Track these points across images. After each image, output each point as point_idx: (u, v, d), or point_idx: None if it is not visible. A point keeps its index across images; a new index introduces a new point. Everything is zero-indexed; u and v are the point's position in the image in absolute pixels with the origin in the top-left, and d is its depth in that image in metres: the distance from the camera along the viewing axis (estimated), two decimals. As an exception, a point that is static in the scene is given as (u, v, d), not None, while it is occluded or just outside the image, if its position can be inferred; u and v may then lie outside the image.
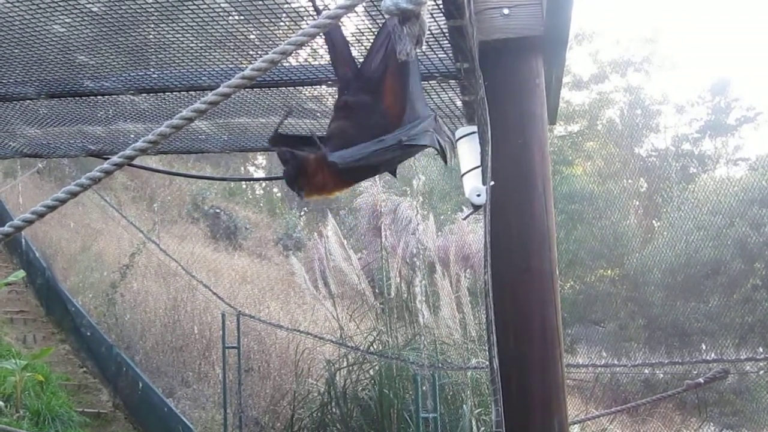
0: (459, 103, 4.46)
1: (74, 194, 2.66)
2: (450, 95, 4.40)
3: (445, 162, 3.49)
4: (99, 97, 4.81)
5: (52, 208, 2.64)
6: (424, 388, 11.19)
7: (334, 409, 12.60)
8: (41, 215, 2.66)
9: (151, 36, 3.95)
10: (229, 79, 2.50)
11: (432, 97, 4.40)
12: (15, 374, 13.42)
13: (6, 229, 2.67)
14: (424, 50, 3.65)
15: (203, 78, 4.42)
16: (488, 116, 3.55)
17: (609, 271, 24.29)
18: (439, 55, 3.83)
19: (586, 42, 32.98)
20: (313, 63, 4.40)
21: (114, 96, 4.72)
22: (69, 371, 16.00)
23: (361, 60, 3.41)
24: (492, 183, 3.51)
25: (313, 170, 3.20)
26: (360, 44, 3.99)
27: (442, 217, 18.53)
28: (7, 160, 20.66)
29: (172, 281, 18.18)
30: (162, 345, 16.23)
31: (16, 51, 4.23)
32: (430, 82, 4.18)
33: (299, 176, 3.24)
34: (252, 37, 4.04)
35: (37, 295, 18.86)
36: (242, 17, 3.80)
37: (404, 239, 12.99)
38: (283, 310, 17.67)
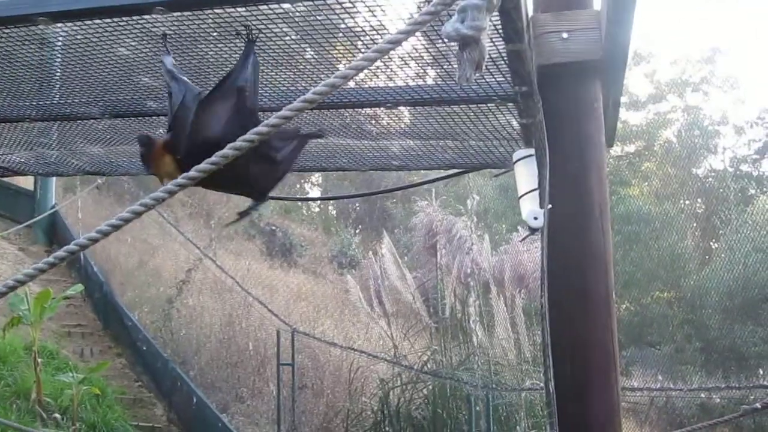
0: (516, 126, 4.47)
1: (138, 214, 2.72)
2: (508, 118, 4.41)
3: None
4: (161, 117, 4.89)
5: (116, 228, 2.70)
6: (477, 408, 11.17)
7: (387, 428, 12.60)
8: (106, 234, 2.72)
9: (209, 56, 4.01)
10: (288, 101, 2.54)
11: (489, 119, 4.42)
12: (72, 387, 13.57)
13: (71, 247, 2.74)
14: (482, 74, 3.68)
15: (263, 99, 4.47)
16: (546, 140, 3.57)
17: (665, 293, 24.04)
18: (498, 79, 3.84)
19: (643, 63, 32.72)
20: (371, 85, 4.44)
21: (173, 116, 4.80)
22: (125, 385, 16.14)
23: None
24: (549, 206, 3.53)
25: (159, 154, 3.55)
26: (416, 63, 4.03)
27: (497, 236, 18.47)
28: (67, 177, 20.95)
29: (228, 297, 18.29)
30: (217, 361, 16.33)
31: (82, 72, 4.32)
32: (488, 104, 4.20)
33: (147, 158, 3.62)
34: (308, 56, 4.09)
35: (95, 309, 19.07)
36: (298, 36, 3.85)
37: (459, 258, 12.98)
38: (338, 327, 17.72)
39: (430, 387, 12.55)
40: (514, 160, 4.17)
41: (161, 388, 15.78)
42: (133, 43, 3.83)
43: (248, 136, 2.62)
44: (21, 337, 15.19)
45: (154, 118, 4.94)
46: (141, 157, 3.67)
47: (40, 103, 4.96)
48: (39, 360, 13.58)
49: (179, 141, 3.53)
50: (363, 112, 4.85)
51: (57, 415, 13.39)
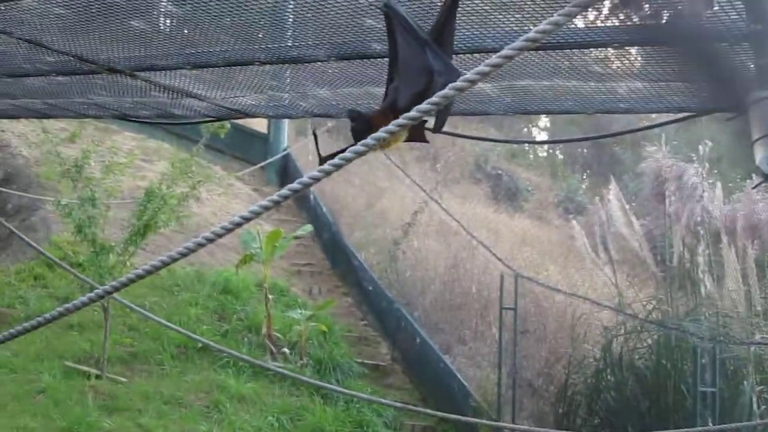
0: (752, 67, 4.26)
1: (360, 154, 2.76)
2: (742, 58, 4.20)
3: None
4: (386, 59, 4.91)
5: (338, 167, 2.74)
6: (703, 360, 10.88)
7: (609, 377, 12.46)
8: (328, 173, 2.77)
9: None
10: (514, 41, 2.50)
11: (723, 60, 4.23)
12: (300, 323, 14.07)
13: (295, 185, 2.80)
14: (715, 11, 3.52)
15: (488, 40, 4.43)
16: (784, 81, 3.38)
17: None
18: (732, 17, 3.66)
19: None
20: (599, 24, 4.33)
21: (399, 58, 4.82)
22: (351, 323, 16.56)
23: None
24: (786, 152, 3.35)
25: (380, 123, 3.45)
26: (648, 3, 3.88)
27: (730, 184, 17.72)
28: (298, 119, 21.52)
29: (453, 240, 18.39)
30: (440, 302, 16.46)
31: (309, 15, 4.39)
32: (721, 44, 4.01)
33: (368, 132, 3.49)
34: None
35: (324, 249, 19.60)
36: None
37: (689, 206, 12.61)
38: (562, 273, 17.56)
39: (655, 337, 12.29)
40: (749, 103, 3.97)
41: (386, 328, 16.11)
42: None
43: (470, 75, 2.60)
44: (253, 274, 15.84)
45: (377, 60, 4.97)
46: (356, 132, 3.69)
47: (270, 46, 5.09)
48: (270, 296, 14.14)
49: (400, 97, 3.61)
50: (590, 53, 4.73)
51: (285, 350, 13.94)
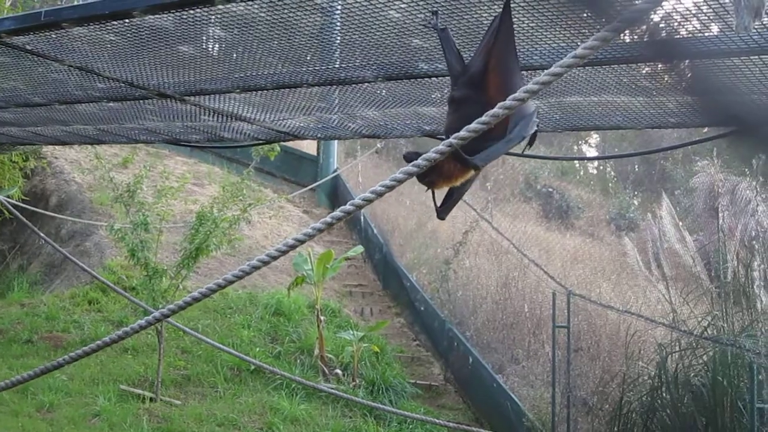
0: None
1: (411, 174, 2.78)
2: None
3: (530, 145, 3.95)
4: (433, 78, 4.94)
5: (390, 188, 2.76)
6: (760, 377, 10.72)
7: (664, 394, 12.31)
8: (380, 194, 2.79)
9: (484, 17, 4.00)
10: (561, 58, 2.50)
11: (765, 73, 4.19)
12: (353, 344, 14.11)
13: (347, 207, 2.83)
14: (764, 22, 3.49)
15: (535, 57, 4.42)
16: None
17: None
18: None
19: None
20: (646, 39, 4.30)
21: (447, 78, 4.82)
22: (403, 344, 16.58)
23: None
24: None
25: (446, 169, 3.70)
26: (697, 19, 3.86)
27: (785, 198, 17.47)
28: (348, 140, 21.61)
29: (504, 259, 18.32)
30: (493, 322, 16.40)
31: (355, 36, 4.42)
32: (762, 57, 3.98)
33: (430, 173, 3.67)
34: (584, 15, 3.99)
35: (375, 270, 19.67)
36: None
37: (743, 221, 12.46)
38: (614, 291, 17.41)
39: (710, 354, 12.15)
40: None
41: (438, 348, 16.10)
42: (402, 6, 3.88)
43: (519, 94, 2.60)
44: (305, 295, 15.94)
45: (425, 80, 4.99)
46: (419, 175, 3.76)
47: (318, 68, 5.12)
48: (322, 318, 14.21)
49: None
50: (640, 68, 4.71)
51: (338, 371, 13.98)
